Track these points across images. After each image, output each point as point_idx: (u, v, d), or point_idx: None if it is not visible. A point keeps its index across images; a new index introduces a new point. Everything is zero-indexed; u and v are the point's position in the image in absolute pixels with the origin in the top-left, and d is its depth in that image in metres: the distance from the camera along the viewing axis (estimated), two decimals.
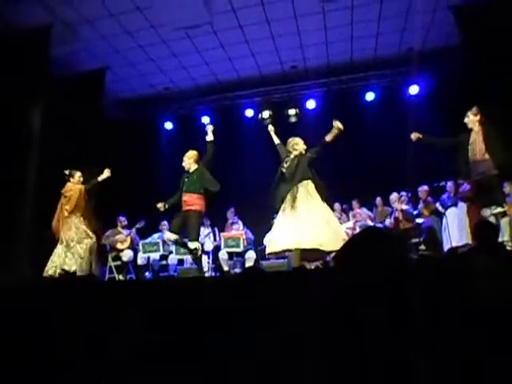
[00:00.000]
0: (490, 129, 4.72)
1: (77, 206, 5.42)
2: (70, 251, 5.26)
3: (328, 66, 8.08)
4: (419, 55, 7.20)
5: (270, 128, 5.42)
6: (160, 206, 5.31)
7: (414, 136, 5.12)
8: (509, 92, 5.62)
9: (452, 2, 6.31)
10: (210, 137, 5.30)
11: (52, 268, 5.20)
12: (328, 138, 4.80)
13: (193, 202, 5.06)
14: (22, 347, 2.11)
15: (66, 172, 5.61)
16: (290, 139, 5.08)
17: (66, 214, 5.40)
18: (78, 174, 5.62)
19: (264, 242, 7.36)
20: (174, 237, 5.19)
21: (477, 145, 4.75)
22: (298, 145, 4.98)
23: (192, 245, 5.11)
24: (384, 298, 1.64)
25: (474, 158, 4.75)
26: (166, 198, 5.44)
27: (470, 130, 4.89)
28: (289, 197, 4.72)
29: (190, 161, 5.28)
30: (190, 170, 5.26)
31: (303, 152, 4.95)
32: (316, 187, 4.74)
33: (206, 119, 8.96)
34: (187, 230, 5.14)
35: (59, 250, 5.31)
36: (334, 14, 6.56)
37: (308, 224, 4.48)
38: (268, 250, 4.82)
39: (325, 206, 4.70)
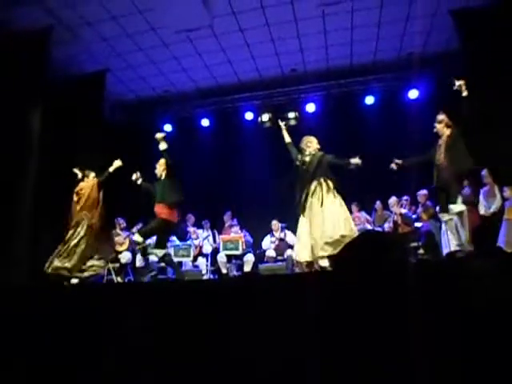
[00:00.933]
0: (455, 134, 4.69)
1: (87, 202, 5.50)
2: (66, 251, 5.30)
3: (328, 70, 8.10)
4: (419, 60, 7.23)
5: (284, 125, 5.38)
6: (135, 176, 5.51)
7: (395, 165, 5.11)
8: (509, 96, 5.64)
9: (452, 7, 6.34)
10: (162, 146, 5.26)
11: (49, 265, 5.26)
12: (350, 161, 4.90)
13: (160, 211, 5.13)
14: (20, 349, 2.11)
15: (78, 172, 5.71)
16: (305, 137, 5.17)
17: (76, 211, 5.48)
18: (92, 175, 5.73)
19: (263, 246, 7.38)
20: (140, 239, 5.24)
21: (441, 151, 4.75)
22: (311, 143, 5.08)
23: (159, 253, 5.24)
24: (382, 301, 1.64)
25: (437, 163, 4.76)
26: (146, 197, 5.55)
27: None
28: (308, 196, 4.81)
29: (160, 168, 5.36)
30: (162, 178, 5.33)
31: (317, 150, 5.04)
32: (334, 185, 4.85)
33: (205, 121, 8.99)
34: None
35: (59, 248, 5.37)
36: (334, 18, 6.58)
37: (331, 222, 4.57)
38: (300, 259, 4.80)
39: (343, 204, 4.81)
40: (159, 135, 5.30)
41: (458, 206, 4.64)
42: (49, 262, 5.25)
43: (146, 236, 5.27)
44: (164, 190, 5.17)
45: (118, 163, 5.69)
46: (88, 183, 5.64)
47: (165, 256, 5.25)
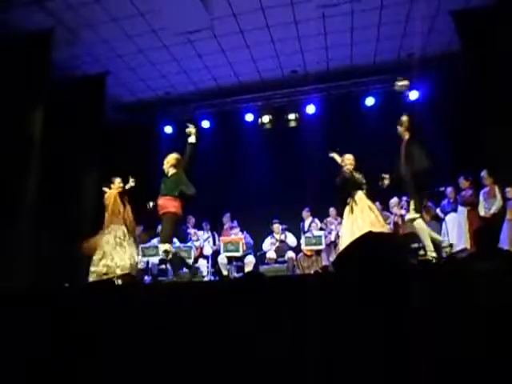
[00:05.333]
0: (412, 140, 4.75)
1: (113, 211, 5.46)
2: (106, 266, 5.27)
3: (328, 71, 8.11)
4: (419, 61, 7.23)
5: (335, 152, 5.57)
6: (149, 205, 5.36)
7: (386, 180, 5.18)
8: (510, 96, 5.65)
9: (452, 8, 6.34)
10: (192, 139, 5.18)
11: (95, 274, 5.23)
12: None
13: (166, 204, 4.95)
14: (20, 350, 2.11)
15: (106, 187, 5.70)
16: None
17: (106, 220, 5.48)
18: (117, 180, 5.67)
19: (264, 248, 7.37)
20: (166, 247, 4.99)
21: (401, 156, 4.81)
22: (343, 161, 5.33)
23: (162, 247, 5.00)
24: (384, 303, 1.64)
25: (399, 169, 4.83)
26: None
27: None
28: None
29: (167, 165, 5.21)
30: (168, 174, 5.18)
31: (348, 167, 5.27)
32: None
33: (206, 123, 8.98)
34: (161, 232, 5.13)
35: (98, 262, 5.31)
36: (334, 20, 6.59)
37: None
38: None
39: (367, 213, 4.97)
40: (192, 128, 5.25)
41: (410, 214, 4.74)
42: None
43: (169, 241, 5.01)
44: (175, 183, 5.02)
45: (131, 183, 5.67)
46: (111, 192, 5.62)
47: (166, 251, 5.02)
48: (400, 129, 4.88)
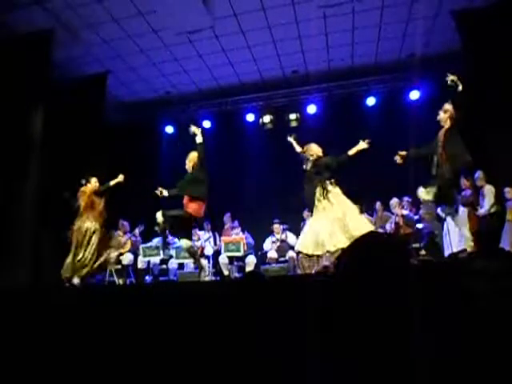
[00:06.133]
0: (454, 129, 4.54)
1: (85, 207, 5.55)
2: (77, 257, 5.37)
3: (329, 71, 8.10)
4: (420, 61, 7.22)
5: (293, 138, 5.63)
6: (159, 191, 5.34)
7: (399, 157, 4.96)
8: (510, 96, 5.64)
9: (453, 8, 6.33)
10: (198, 139, 5.22)
11: (65, 270, 5.34)
12: (351, 152, 5.07)
13: (187, 204, 5.07)
14: (21, 350, 2.11)
15: (83, 181, 5.75)
16: (305, 146, 5.30)
17: (77, 215, 5.56)
18: (94, 180, 5.76)
19: (265, 247, 7.38)
20: (160, 219, 5.13)
21: (440, 144, 4.57)
22: (311, 150, 5.19)
23: (182, 243, 5.23)
24: (384, 303, 1.63)
25: (437, 156, 4.58)
26: (166, 201, 5.46)
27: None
28: (317, 195, 4.90)
29: (189, 164, 5.28)
30: (190, 172, 5.26)
31: (320, 154, 5.12)
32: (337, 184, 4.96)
33: (207, 123, 8.98)
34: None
35: (70, 254, 5.43)
36: (335, 20, 6.59)
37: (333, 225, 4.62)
38: (302, 249, 4.68)
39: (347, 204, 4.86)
40: (196, 129, 5.26)
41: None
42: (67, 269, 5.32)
43: (165, 216, 5.07)
44: (188, 182, 5.13)
45: (120, 178, 5.73)
46: (86, 188, 5.69)
47: (190, 248, 5.22)
48: (442, 115, 4.68)
